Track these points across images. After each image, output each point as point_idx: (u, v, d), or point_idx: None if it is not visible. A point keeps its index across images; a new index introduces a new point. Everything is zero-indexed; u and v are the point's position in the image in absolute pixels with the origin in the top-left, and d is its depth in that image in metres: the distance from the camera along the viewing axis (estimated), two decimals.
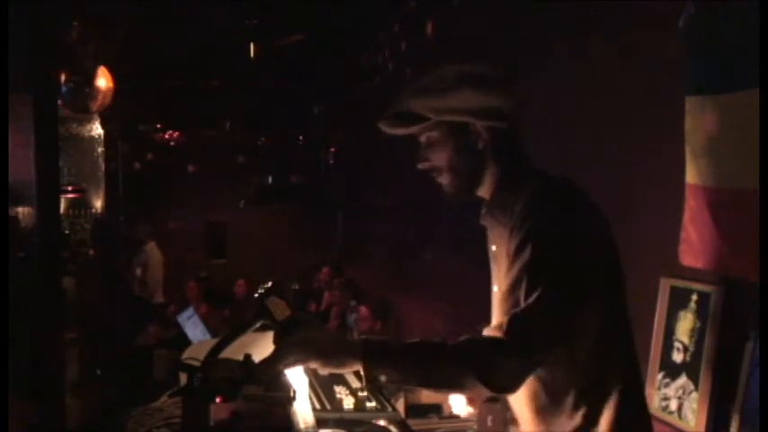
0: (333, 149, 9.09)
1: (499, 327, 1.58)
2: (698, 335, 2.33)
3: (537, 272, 1.57)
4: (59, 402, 4.02)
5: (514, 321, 1.56)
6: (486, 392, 1.63)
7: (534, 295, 1.55)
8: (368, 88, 7.14)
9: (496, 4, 3.93)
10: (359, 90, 7.66)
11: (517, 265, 1.60)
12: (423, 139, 1.77)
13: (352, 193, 8.38)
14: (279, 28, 7.08)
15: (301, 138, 9.87)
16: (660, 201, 2.51)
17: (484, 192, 1.78)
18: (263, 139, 9.83)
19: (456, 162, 1.74)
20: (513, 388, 1.61)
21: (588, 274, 1.62)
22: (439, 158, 1.75)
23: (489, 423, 2.11)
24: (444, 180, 1.77)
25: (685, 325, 2.39)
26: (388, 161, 6.76)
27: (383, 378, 1.58)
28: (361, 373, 1.58)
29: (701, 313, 2.33)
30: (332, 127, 9.05)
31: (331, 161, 9.21)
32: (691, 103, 2.35)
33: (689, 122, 2.36)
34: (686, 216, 2.39)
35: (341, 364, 1.61)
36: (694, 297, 2.37)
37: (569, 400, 1.67)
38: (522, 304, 1.56)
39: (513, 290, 1.60)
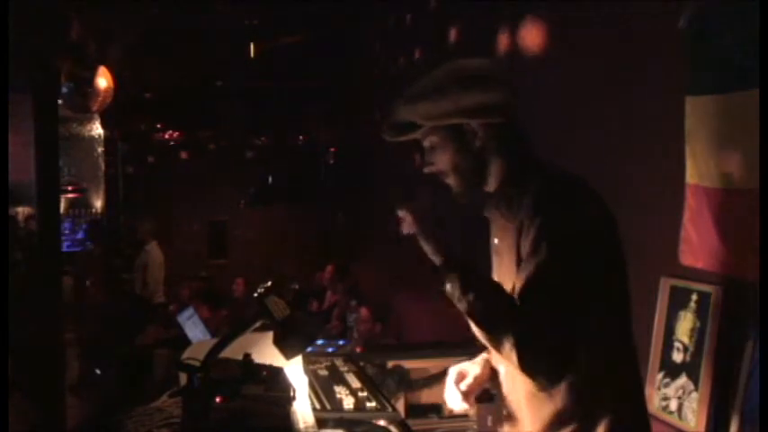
0: (333, 149, 9.09)
1: None
2: (698, 335, 2.33)
3: (554, 271, 1.55)
4: (59, 402, 4.02)
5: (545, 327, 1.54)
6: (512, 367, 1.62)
7: (551, 296, 1.54)
8: (368, 88, 7.15)
9: (497, 4, 3.93)
10: (359, 90, 7.67)
11: (532, 263, 1.58)
12: (426, 143, 1.77)
13: (352, 193, 8.38)
14: (279, 28, 7.08)
15: (301, 138, 9.87)
16: (660, 201, 2.50)
17: (488, 186, 1.77)
18: (263, 138, 9.83)
19: (457, 163, 1.74)
20: (551, 380, 1.60)
21: (601, 273, 1.62)
22: (441, 161, 1.75)
23: (489, 423, 2.10)
24: (450, 181, 1.78)
25: (685, 325, 2.39)
26: (389, 161, 6.76)
27: (448, 287, 1.67)
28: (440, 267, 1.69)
29: (701, 313, 2.33)
30: (332, 127, 9.05)
31: (331, 161, 9.21)
32: (691, 103, 2.35)
33: (689, 122, 2.36)
34: (686, 216, 2.39)
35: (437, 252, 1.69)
36: (694, 297, 2.37)
37: (568, 400, 1.66)
38: (537, 304, 1.55)
39: (529, 288, 1.57)
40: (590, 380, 1.65)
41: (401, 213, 1.74)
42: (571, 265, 1.56)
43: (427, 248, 1.71)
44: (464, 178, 1.76)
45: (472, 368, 1.96)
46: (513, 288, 1.65)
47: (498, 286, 1.67)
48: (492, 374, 1.93)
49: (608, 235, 1.66)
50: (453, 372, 1.96)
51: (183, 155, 9.70)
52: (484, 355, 1.98)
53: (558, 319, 1.54)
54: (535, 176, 1.68)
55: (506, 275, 1.72)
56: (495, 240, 1.81)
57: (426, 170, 1.80)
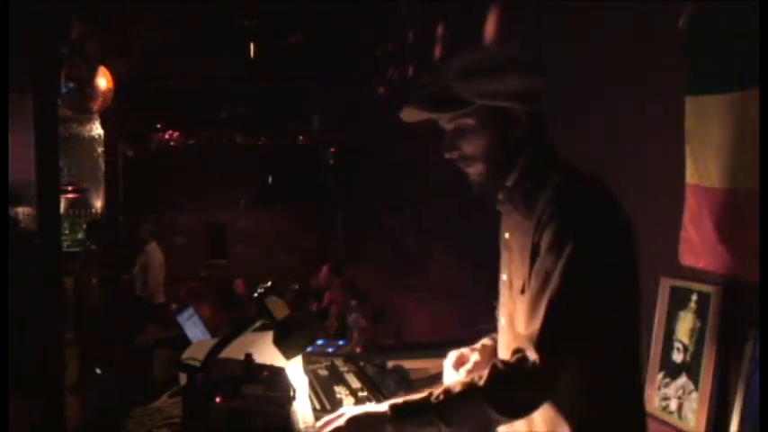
0: (333, 149, 9.08)
1: (519, 350, 1.51)
2: (698, 335, 2.33)
3: (569, 277, 1.49)
4: (59, 402, 4.02)
5: (542, 347, 1.49)
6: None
7: (562, 304, 1.49)
8: (368, 88, 7.14)
9: (498, 4, 3.93)
10: (359, 89, 7.66)
11: (547, 263, 1.51)
12: (451, 126, 1.64)
13: (353, 192, 8.38)
14: (279, 28, 7.08)
15: (301, 138, 9.88)
16: (660, 201, 2.50)
17: (508, 179, 1.67)
18: (263, 139, 9.83)
19: (492, 150, 1.62)
20: (531, 412, 1.58)
21: (617, 278, 1.57)
22: (472, 147, 1.62)
23: None
24: (475, 170, 1.65)
25: (685, 325, 2.39)
26: (389, 160, 6.76)
27: None
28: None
29: (701, 313, 2.33)
30: (332, 127, 9.05)
31: (331, 161, 9.21)
32: (691, 103, 2.35)
33: (689, 122, 2.36)
34: (686, 216, 2.39)
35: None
36: (694, 297, 2.37)
37: (573, 401, 1.62)
38: (543, 308, 1.49)
39: (541, 289, 1.51)
40: (596, 381, 1.62)
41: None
42: (587, 271, 1.51)
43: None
44: (494, 167, 1.63)
45: (472, 354, 1.88)
46: (524, 285, 1.59)
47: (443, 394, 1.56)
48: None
49: (626, 238, 1.60)
50: (452, 356, 1.88)
51: (183, 155, 9.69)
52: (484, 341, 1.92)
53: (564, 341, 1.51)
54: (555, 173, 1.61)
55: (517, 272, 1.65)
56: (506, 235, 1.72)
57: (448, 156, 1.65)
